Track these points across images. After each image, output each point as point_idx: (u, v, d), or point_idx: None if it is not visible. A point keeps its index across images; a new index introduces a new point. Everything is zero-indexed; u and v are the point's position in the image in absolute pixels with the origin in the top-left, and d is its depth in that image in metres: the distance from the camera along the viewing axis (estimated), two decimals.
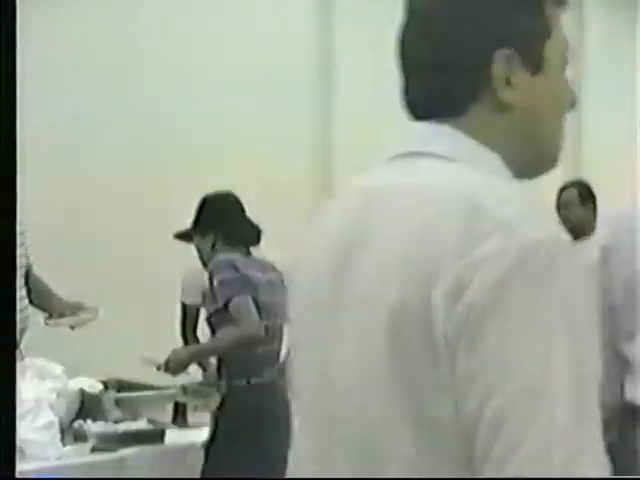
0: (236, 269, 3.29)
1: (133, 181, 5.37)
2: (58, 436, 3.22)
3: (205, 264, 3.53)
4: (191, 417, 3.75)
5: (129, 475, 3.29)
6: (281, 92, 6.14)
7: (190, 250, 4.87)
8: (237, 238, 3.45)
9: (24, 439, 3.18)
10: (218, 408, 3.32)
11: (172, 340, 4.62)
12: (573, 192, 4.72)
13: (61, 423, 3.30)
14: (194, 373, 4.55)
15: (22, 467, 3.07)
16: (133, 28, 5.57)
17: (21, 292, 4.06)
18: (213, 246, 3.45)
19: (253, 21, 6.08)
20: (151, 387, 3.75)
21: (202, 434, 3.61)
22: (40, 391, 3.31)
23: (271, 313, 3.35)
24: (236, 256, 3.38)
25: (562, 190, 4.77)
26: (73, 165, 5.24)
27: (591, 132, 7.82)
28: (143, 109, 5.55)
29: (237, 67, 5.98)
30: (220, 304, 3.28)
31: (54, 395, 3.34)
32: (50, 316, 3.95)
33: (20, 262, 3.97)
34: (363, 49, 6.56)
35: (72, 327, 3.97)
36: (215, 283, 3.31)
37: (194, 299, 4.63)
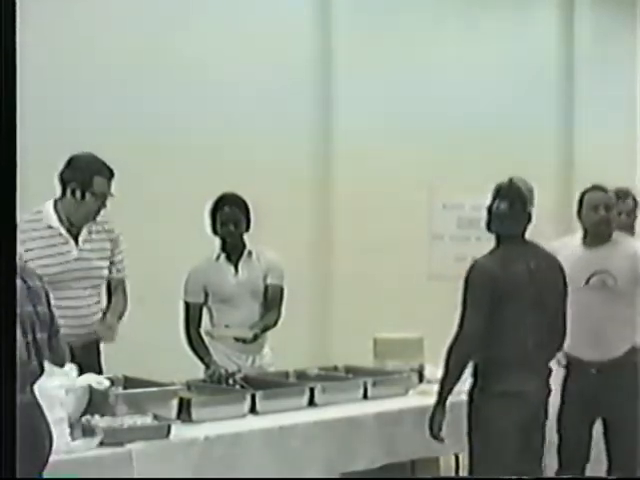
0: (22, 279, 2.97)
1: (132, 183, 5.40)
2: (67, 430, 3.29)
3: None
4: (195, 412, 3.84)
5: (136, 468, 3.38)
6: (281, 91, 6.19)
7: (192, 251, 4.97)
8: None
9: None
10: None
11: (175, 338, 4.71)
12: (611, 195, 4.60)
13: (70, 418, 3.38)
14: (197, 370, 4.66)
15: None
16: (132, 27, 5.60)
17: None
18: None
19: (253, 20, 6.12)
20: (156, 384, 3.81)
21: (206, 429, 3.71)
22: (49, 387, 3.39)
23: (35, 326, 3.02)
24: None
25: (596, 190, 4.59)
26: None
27: (584, 132, 7.88)
28: (142, 109, 5.58)
29: (236, 66, 6.03)
30: None
31: (63, 391, 3.42)
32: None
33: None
34: (363, 47, 6.60)
35: None
36: None
37: (197, 298, 4.73)
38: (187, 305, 4.73)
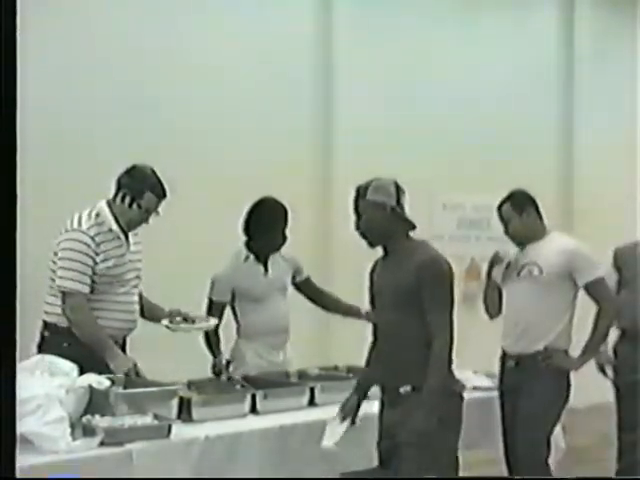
0: None
1: None
2: (68, 430, 3.29)
3: None
4: (195, 412, 3.85)
5: (136, 468, 3.38)
6: (283, 92, 6.20)
7: (193, 251, 4.98)
8: None
9: (35, 433, 3.27)
10: None
11: (176, 338, 4.71)
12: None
13: (70, 418, 3.37)
14: (199, 369, 4.66)
15: (33, 460, 3.15)
16: (133, 27, 5.61)
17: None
18: None
19: (254, 21, 6.13)
20: (156, 383, 3.80)
21: (206, 428, 3.72)
22: (50, 387, 3.39)
23: None
24: None
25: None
26: (73, 166, 5.30)
27: (584, 133, 7.88)
28: (143, 109, 5.59)
29: (237, 67, 6.04)
30: None
31: (63, 391, 3.42)
32: (170, 322, 4.33)
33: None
34: (363, 49, 6.61)
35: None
36: None
37: (223, 297, 4.73)
38: (211, 302, 4.73)
